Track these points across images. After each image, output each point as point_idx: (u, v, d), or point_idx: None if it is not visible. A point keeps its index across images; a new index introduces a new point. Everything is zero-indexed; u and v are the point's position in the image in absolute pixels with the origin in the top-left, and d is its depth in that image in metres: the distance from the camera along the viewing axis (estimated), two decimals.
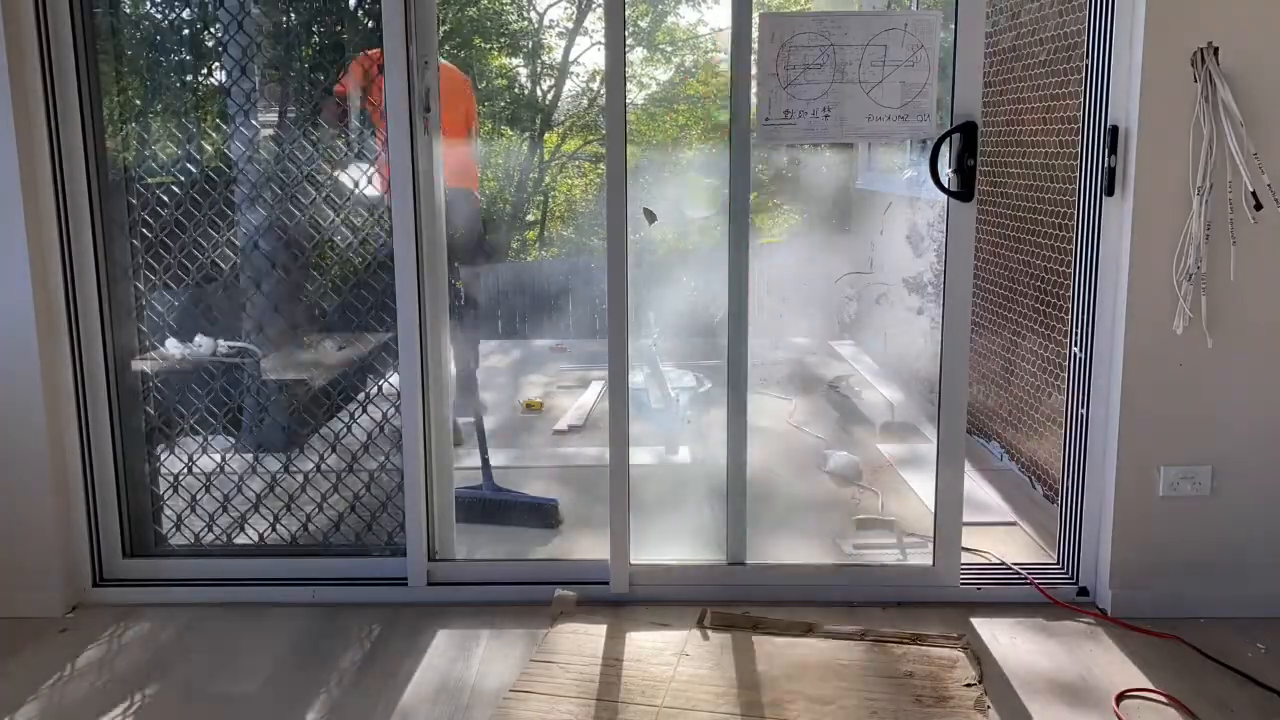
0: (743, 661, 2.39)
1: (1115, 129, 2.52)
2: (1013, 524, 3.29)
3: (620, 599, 2.72)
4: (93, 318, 2.72)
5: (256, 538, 2.91)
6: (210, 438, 2.93)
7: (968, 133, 2.49)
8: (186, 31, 2.96)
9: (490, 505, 3.37)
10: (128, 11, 2.85)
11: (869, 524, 3.26)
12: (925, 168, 2.59)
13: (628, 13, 2.52)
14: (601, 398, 4.97)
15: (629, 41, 2.40)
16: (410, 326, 2.67)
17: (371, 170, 2.79)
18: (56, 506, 2.70)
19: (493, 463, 3.50)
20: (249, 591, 2.78)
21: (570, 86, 13.67)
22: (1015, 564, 2.87)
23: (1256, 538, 2.61)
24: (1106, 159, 2.55)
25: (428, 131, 2.64)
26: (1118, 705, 2.25)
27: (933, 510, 2.71)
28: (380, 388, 2.89)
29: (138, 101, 2.86)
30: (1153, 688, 2.31)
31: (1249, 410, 2.57)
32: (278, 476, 2.94)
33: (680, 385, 5.08)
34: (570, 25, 13.39)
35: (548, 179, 13.75)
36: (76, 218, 2.67)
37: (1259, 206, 2.42)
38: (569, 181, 13.98)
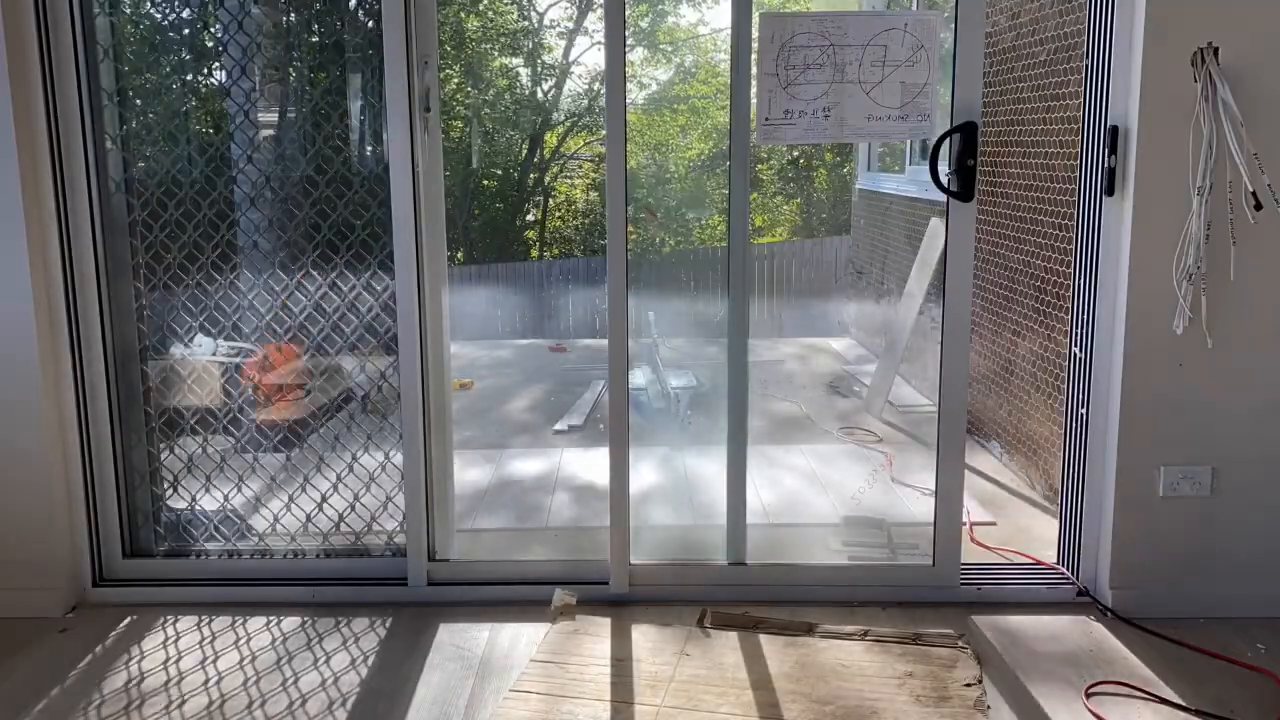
0: (743, 661, 2.39)
1: (1115, 129, 2.52)
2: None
3: (620, 599, 2.72)
4: (93, 318, 2.72)
5: (256, 538, 2.91)
6: (210, 437, 2.93)
7: (968, 133, 2.49)
8: (186, 31, 2.96)
9: None
10: (128, 11, 2.85)
11: (857, 522, 3.26)
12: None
13: (628, 13, 2.51)
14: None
15: (629, 41, 2.39)
16: (410, 327, 2.67)
17: None
18: (56, 506, 2.70)
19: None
20: (249, 591, 2.78)
21: (570, 86, 13.69)
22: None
23: (1256, 538, 2.61)
24: (1106, 159, 2.55)
25: (427, 131, 2.64)
26: (1087, 699, 2.26)
27: (933, 509, 2.71)
28: (381, 388, 2.89)
29: (138, 102, 2.86)
30: (1152, 687, 2.31)
31: (1249, 411, 2.57)
32: (277, 476, 2.95)
33: (680, 385, 5.09)
34: (570, 25, 13.41)
35: (548, 179, 13.75)
36: (77, 218, 2.67)
37: (1259, 206, 2.42)
38: (569, 181, 13.99)
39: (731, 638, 2.51)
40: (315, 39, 3.08)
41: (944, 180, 2.54)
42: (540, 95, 13.52)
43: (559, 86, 13.59)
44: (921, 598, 2.72)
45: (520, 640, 2.54)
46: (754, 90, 2.55)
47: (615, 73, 2.54)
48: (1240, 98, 2.39)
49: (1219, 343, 2.51)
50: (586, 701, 2.24)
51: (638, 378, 5.21)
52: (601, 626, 2.58)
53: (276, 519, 2.92)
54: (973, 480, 3.62)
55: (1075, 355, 2.73)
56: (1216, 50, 2.40)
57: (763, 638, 2.50)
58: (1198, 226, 2.44)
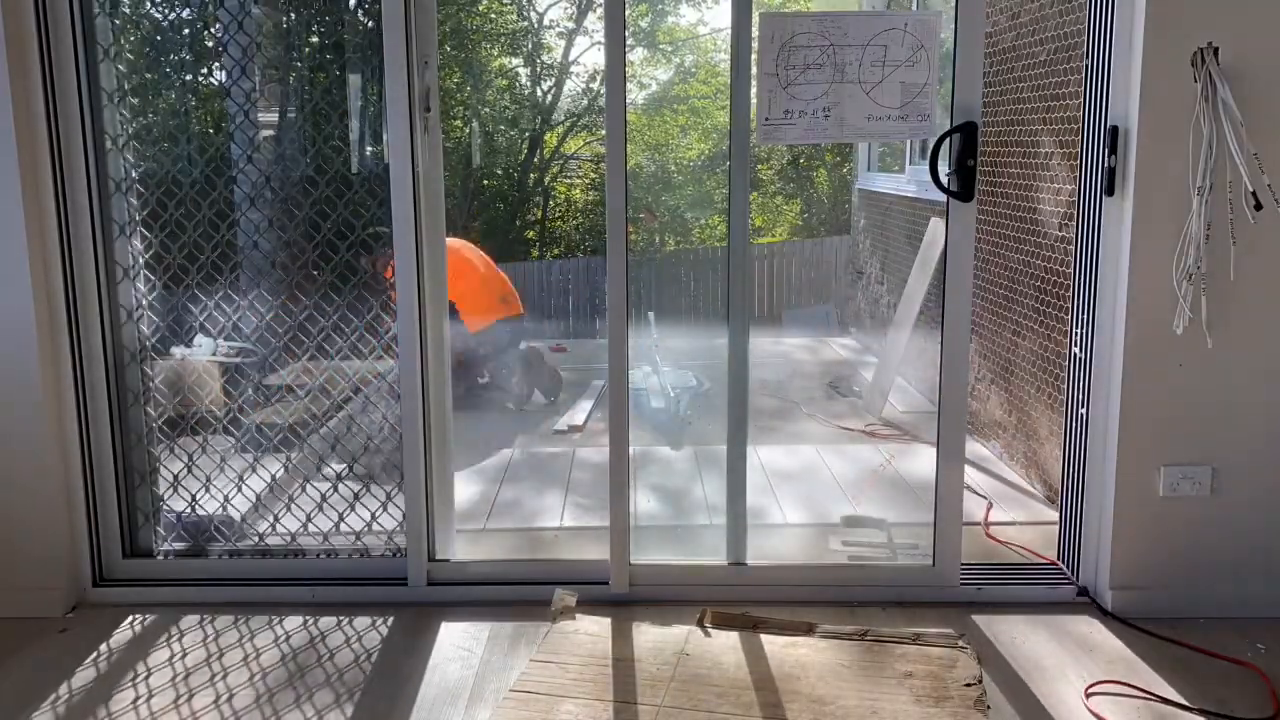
0: (743, 661, 2.39)
1: (1115, 129, 2.52)
2: (1011, 524, 3.29)
3: (620, 599, 2.72)
4: (93, 318, 2.72)
5: (256, 538, 2.91)
6: (209, 437, 2.93)
7: (968, 133, 2.49)
8: (186, 31, 2.96)
9: None
10: (128, 11, 2.85)
11: (857, 522, 3.26)
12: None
13: (628, 13, 2.51)
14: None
15: (629, 41, 2.39)
16: (410, 326, 2.67)
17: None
18: (56, 506, 2.70)
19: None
20: (249, 591, 2.78)
21: (570, 86, 13.69)
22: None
23: (1257, 538, 2.61)
24: (1106, 159, 2.55)
25: (428, 131, 2.64)
26: (1087, 699, 2.26)
27: (933, 509, 2.71)
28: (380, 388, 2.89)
29: (136, 101, 2.86)
30: (1152, 687, 2.31)
31: (1249, 410, 2.57)
32: (277, 476, 2.95)
33: (680, 385, 5.09)
34: (570, 25, 13.41)
35: (548, 179, 13.75)
36: (77, 218, 2.67)
37: (1259, 206, 2.42)
38: (568, 181, 13.99)
39: (732, 638, 2.51)
40: (315, 39, 3.08)
41: (944, 180, 2.54)
42: (540, 95, 13.52)
43: (559, 86, 13.59)
44: (921, 598, 2.72)
45: (520, 640, 2.54)
46: (754, 90, 2.55)
47: (615, 73, 2.54)
48: (1240, 98, 2.39)
49: (1219, 343, 2.51)
50: (586, 701, 2.24)
51: (637, 378, 5.21)
52: (601, 626, 2.58)
53: (276, 519, 2.92)
54: (979, 477, 3.62)
55: (1075, 355, 2.73)
56: (1216, 50, 2.40)
57: (763, 638, 2.50)
58: (1198, 226, 2.44)
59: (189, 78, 3.00)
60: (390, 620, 2.66)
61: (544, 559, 3.07)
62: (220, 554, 2.89)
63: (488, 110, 12.88)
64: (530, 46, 13.42)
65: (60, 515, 2.71)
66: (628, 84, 2.59)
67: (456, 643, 2.55)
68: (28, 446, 2.65)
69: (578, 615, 2.63)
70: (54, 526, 2.70)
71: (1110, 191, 2.56)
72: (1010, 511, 3.40)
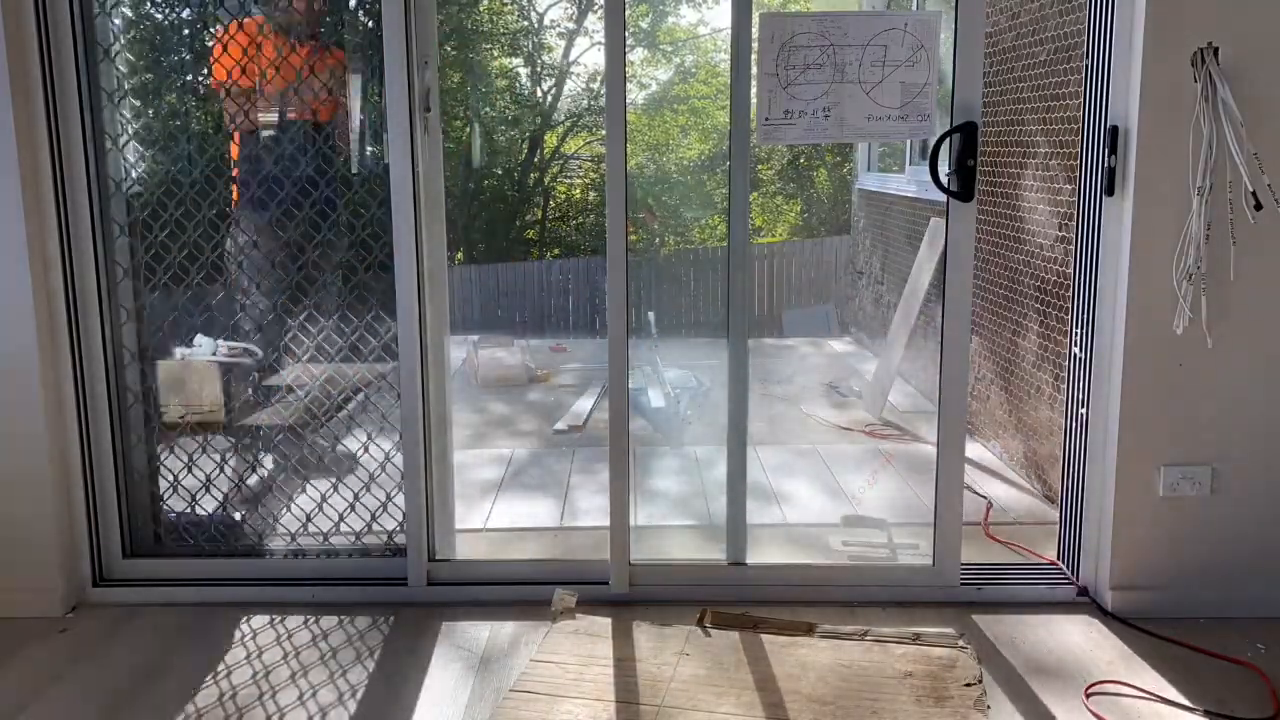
0: (743, 661, 2.39)
1: (1115, 129, 2.52)
2: (1011, 524, 3.29)
3: (620, 599, 2.72)
4: (93, 318, 2.72)
5: (256, 538, 2.91)
6: (210, 437, 2.93)
7: (968, 133, 2.49)
8: (186, 31, 2.96)
9: None
10: (128, 11, 2.85)
11: (857, 522, 3.26)
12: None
13: (628, 13, 2.51)
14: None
15: (629, 41, 2.39)
16: (410, 324, 2.67)
17: None
18: (56, 506, 2.70)
19: None
20: (249, 591, 2.78)
21: (570, 86, 13.69)
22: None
23: (1256, 538, 2.61)
24: (1106, 159, 2.55)
25: (427, 131, 2.64)
26: (1088, 699, 2.26)
27: (933, 509, 2.71)
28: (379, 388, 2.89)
29: (137, 102, 2.86)
30: (1152, 688, 2.31)
31: (1249, 410, 2.57)
32: (277, 476, 2.94)
33: (680, 384, 5.09)
34: (570, 25, 13.41)
35: (548, 179, 13.75)
36: (77, 218, 2.66)
37: (1259, 206, 2.42)
38: (568, 181, 13.99)
39: (731, 638, 2.51)
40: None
41: (944, 180, 2.54)
42: (540, 95, 13.52)
43: (559, 86, 13.59)
44: (921, 598, 2.72)
45: (520, 640, 2.54)
46: (754, 90, 2.55)
47: (615, 73, 2.54)
48: (1240, 98, 2.39)
49: (1219, 343, 2.51)
50: (586, 701, 2.24)
51: (637, 378, 5.22)
52: (601, 626, 2.58)
53: (276, 519, 2.92)
54: (979, 477, 3.62)
55: (1075, 355, 2.73)
56: (1216, 50, 2.40)
57: (763, 638, 2.50)
58: (1198, 226, 2.44)
59: (189, 78, 3.00)
60: (391, 620, 2.66)
61: (544, 559, 3.07)
62: (220, 554, 2.89)
63: (488, 110, 12.88)
64: (530, 47, 13.43)
65: (60, 515, 2.71)
66: (628, 84, 2.59)
67: (456, 643, 2.55)
68: (28, 446, 2.65)
69: (578, 615, 2.63)
70: (54, 527, 2.69)
71: (1110, 191, 2.56)
72: (1010, 511, 3.40)
